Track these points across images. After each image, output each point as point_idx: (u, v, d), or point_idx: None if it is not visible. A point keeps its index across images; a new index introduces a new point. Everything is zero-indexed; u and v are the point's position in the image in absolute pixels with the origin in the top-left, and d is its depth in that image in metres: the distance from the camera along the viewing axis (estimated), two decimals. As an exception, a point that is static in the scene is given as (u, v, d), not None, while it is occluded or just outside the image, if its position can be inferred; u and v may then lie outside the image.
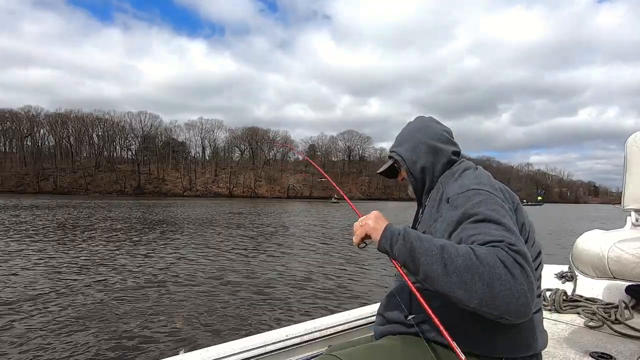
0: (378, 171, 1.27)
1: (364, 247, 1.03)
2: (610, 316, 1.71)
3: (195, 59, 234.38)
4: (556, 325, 1.73)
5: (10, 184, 78.43)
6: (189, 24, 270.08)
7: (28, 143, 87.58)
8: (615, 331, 1.62)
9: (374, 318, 1.44)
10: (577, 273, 1.64)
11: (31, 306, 4.73)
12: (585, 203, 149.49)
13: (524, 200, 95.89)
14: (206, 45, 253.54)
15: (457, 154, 1.17)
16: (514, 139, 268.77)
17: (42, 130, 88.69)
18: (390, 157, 1.23)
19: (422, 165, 1.14)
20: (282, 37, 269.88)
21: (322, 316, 1.52)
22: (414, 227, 1.17)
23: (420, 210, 1.18)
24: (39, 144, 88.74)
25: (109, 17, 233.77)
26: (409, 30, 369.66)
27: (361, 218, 1.01)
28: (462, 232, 0.89)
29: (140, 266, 7.37)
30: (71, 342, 3.69)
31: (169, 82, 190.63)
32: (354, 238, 1.02)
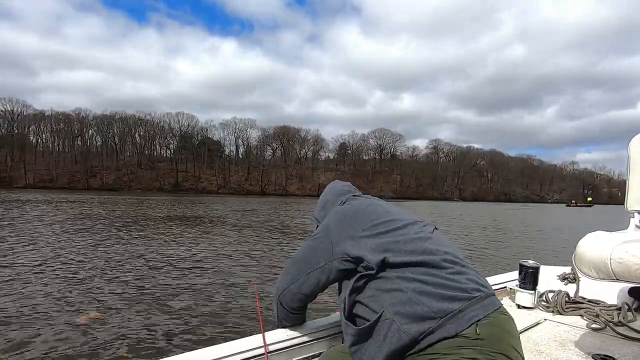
0: None
1: None
2: (613, 318, 1.69)
3: (227, 57, 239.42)
4: (558, 327, 1.73)
5: (63, 181, 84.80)
6: (218, 20, 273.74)
7: (78, 143, 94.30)
8: (619, 333, 1.61)
9: None
10: (579, 275, 1.62)
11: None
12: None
13: (572, 201, 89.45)
14: (236, 43, 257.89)
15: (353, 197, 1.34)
16: (560, 134, 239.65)
17: (90, 131, 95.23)
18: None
19: None
20: (311, 31, 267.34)
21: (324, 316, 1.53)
22: None
23: None
24: (88, 143, 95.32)
25: (144, 17, 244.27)
26: (447, 18, 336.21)
27: None
28: None
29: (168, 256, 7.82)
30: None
31: (202, 81, 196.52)
32: None
